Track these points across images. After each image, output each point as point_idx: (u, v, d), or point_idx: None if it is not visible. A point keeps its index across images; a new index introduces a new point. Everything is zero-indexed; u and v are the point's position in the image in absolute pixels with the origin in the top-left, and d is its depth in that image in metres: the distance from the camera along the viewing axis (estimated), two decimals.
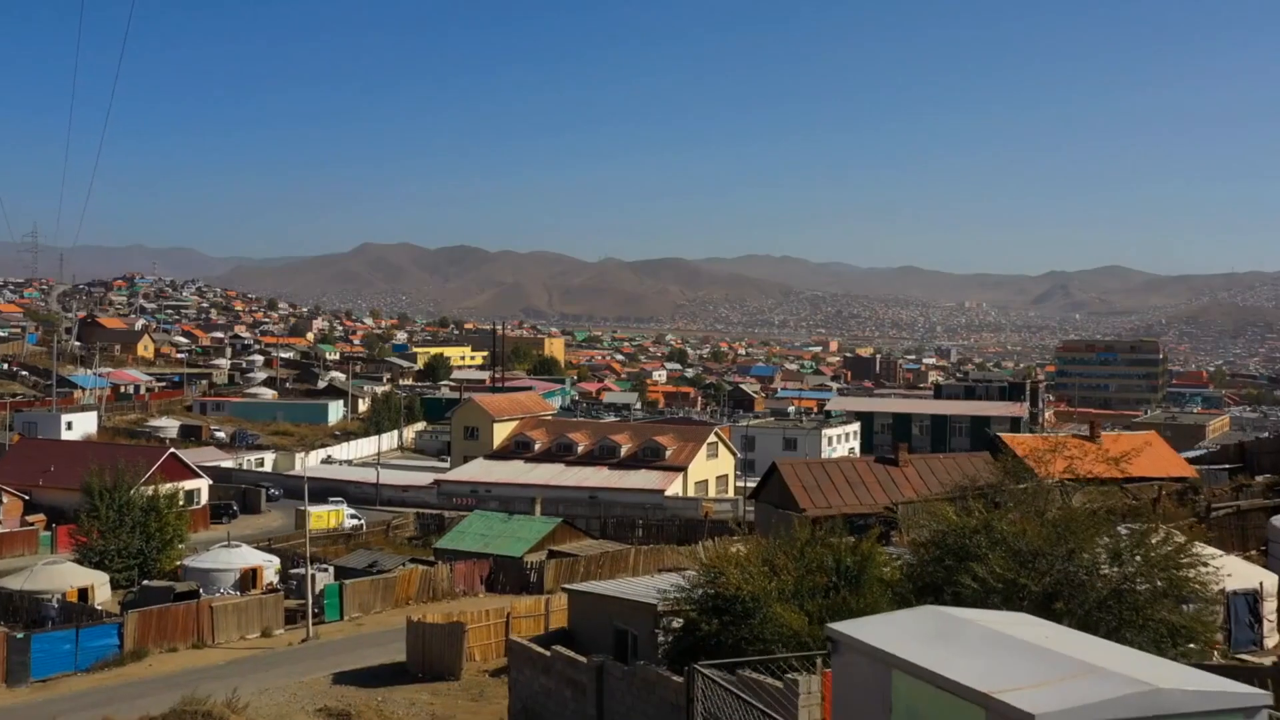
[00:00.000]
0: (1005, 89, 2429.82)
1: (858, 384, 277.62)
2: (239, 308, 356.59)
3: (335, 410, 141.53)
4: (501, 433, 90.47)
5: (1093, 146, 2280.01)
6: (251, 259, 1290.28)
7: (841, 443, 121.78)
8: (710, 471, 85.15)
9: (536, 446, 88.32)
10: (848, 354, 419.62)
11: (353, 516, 74.89)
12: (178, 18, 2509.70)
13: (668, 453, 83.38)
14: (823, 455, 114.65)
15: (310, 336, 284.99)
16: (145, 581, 51.43)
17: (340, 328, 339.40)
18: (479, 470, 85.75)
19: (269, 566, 56.86)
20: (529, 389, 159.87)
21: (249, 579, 55.97)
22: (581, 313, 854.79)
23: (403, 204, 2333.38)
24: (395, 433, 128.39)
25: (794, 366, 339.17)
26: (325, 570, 54.42)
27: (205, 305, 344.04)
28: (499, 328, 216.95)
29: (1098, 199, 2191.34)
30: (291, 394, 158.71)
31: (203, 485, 76.65)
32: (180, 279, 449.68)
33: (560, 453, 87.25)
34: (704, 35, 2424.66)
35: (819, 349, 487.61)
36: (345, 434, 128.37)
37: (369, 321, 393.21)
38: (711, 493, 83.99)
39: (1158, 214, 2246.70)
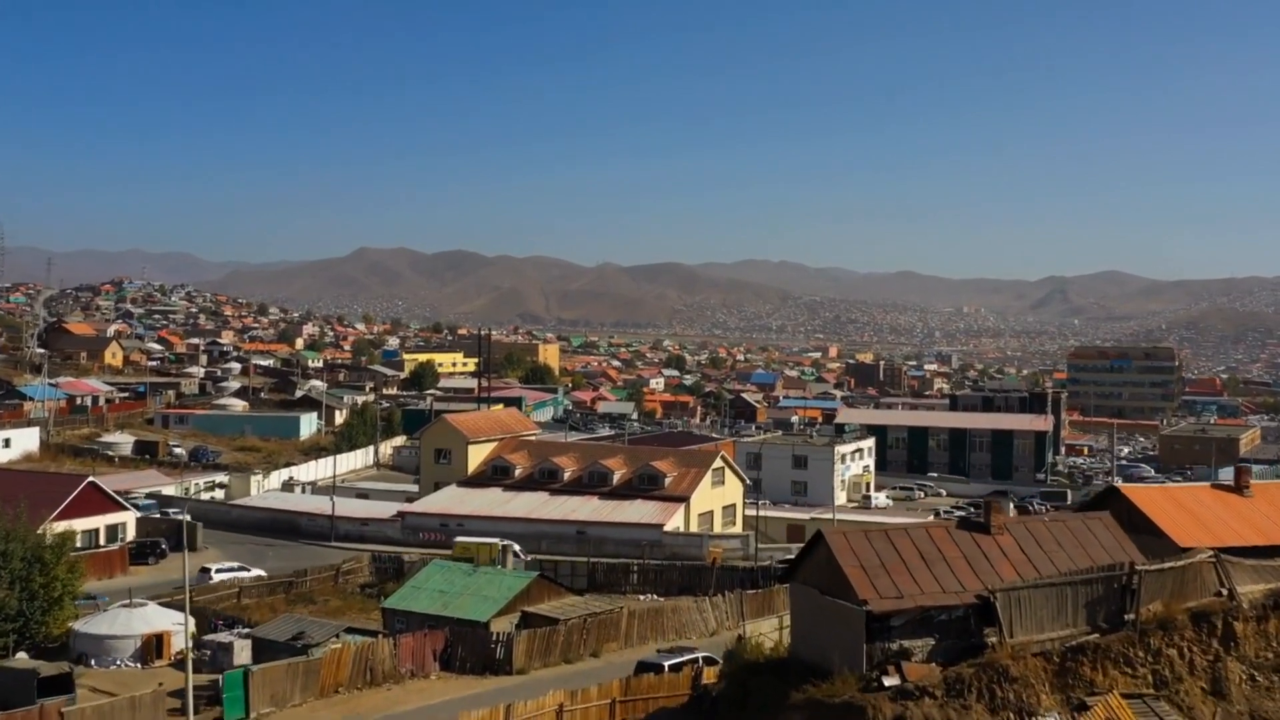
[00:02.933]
0: (1003, 92, 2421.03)
1: (861, 391, 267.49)
2: (229, 313, 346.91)
3: (309, 423, 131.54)
4: (477, 456, 79.62)
5: (1091, 150, 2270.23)
6: (248, 263, 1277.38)
7: (856, 460, 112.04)
8: (715, 501, 74.43)
9: (517, 472, 77.66)
10: (849, 360, 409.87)
11: (515, 555, 60.82)
12: (179, 18, 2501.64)
13: (667, 480, 72.69)
14: (835, 474, 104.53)
15: (299, 342, 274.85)
16: (6, 661, 40.87)
17: (331, 333, 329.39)
18: (450, 500, 74.90)
19: (179, 632, 46.34)
20: (519, 400, 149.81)
21: (152, 647, 45.62)
22: (579, 318, 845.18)
23: (400, 208, 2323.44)
24: (370, 449, 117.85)
25: (794, 373, 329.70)
26: (244, 638, 44.06)
27: (194, 310, 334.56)
28: (489, 333, 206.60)
29: (1096, 203, 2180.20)
30: (264, 405, 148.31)
31: (128, 519, 66.17)
32: (171, 284, 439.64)
33: (544, 479, 76.52)
34: (701, 38, 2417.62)
35: (818, 354, 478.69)
36: (317, 450, 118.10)
37: (361, 327, 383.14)
38: (717, 525, 73.30)
39: (1156, 219, 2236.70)
